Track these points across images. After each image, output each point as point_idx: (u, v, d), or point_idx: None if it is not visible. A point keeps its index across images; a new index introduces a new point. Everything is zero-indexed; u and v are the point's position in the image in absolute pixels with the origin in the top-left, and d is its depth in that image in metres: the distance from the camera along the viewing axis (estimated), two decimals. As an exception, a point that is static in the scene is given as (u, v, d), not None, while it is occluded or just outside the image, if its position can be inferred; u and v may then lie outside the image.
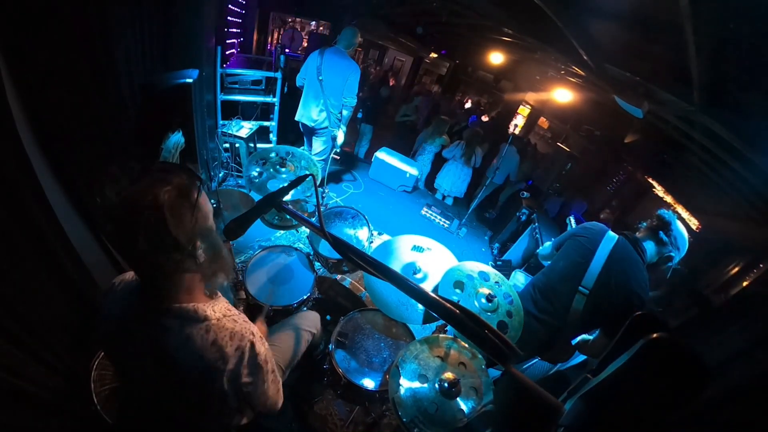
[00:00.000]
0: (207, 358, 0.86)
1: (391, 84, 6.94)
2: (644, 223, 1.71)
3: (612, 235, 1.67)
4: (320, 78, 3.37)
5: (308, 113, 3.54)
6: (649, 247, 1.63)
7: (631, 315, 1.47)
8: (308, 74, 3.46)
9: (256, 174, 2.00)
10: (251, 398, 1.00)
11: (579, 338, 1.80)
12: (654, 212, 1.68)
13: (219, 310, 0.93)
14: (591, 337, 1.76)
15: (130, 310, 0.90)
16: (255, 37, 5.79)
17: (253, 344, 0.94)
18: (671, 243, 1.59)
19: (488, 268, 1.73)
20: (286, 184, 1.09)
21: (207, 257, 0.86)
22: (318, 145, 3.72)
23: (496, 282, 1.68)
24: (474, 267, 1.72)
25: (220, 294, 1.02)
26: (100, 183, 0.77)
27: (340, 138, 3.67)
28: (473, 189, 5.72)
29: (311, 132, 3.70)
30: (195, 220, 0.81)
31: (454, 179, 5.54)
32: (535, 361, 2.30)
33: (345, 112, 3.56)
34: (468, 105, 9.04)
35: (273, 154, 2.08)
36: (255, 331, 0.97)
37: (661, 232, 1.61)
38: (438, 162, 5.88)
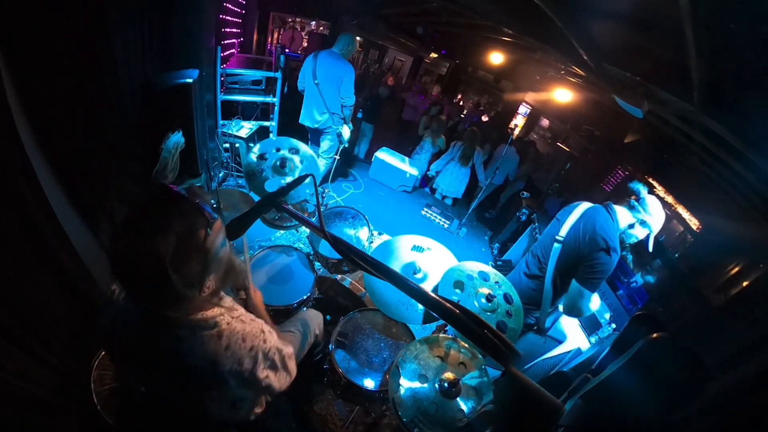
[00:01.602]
0: (222, 363, 0.87)
1: (389, 83, 6.92)
2: None
3: (588, 203, 1.95)
4: (316, 82, 3.46)
5: (311, 116, 3.66)
6: (621, 211, 1.84)
7: (597, 254, 1.71)
8: (305, 78, 3.56)
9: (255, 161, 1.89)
10: (271, 389, 1.02)
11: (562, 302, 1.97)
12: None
13: (227, 312, 0.94)
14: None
15: (139, 317, 0.90)
16: (255, 37, 5.79)
17: (265, 341, 0.95)
18: (642, 209, 1.79)
19: (488, 268, 1.74)
20: (286, 184, 1.09)
21: (217, 283, 0.85)
22: (326, 143, 3.84)
23: (496, 282, 1.69)
24: (474, 267, 1.72)
25: (223, 294, 1.02)
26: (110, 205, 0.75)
27: (346, 133, 3.76)
28: (472, 190, 5.71)
29: (318, 133, 3.82)
30: (203, 263, 0.78)
31: (451, 179, 5.53)
32: (536, 361, 2.30)
33: (345, 111, 3.65)
34: (465, 110, 8.96)
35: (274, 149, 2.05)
36: (264, 327, 0.99)
37: (631, 199, 1.84)
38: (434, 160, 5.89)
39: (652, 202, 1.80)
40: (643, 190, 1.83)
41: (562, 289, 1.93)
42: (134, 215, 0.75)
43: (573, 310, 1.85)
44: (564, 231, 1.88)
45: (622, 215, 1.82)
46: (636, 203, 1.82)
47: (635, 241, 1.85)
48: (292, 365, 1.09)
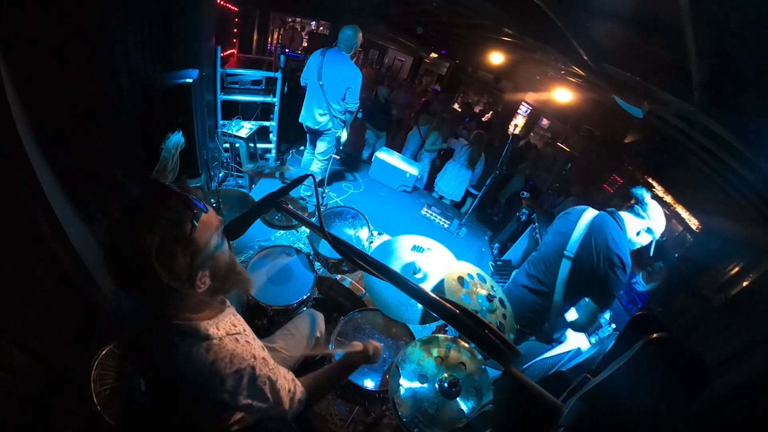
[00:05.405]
0: (205, 377, 0.86)
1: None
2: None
3: (593, 210, 1.87)
4: (321, 83, 3.36)
5: (312, 116, 3.56)
6: (628, 218, 1.79)
7: (613, 274, 1.66)
8: (310, 76, 3.46)
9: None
10: (251, 414, 1.00)
11: (570, 311, 1.94)
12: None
13: (223, 327, 0.92)
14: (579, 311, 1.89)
15: (138, 314, 0.90)
16: (255, 37, 5.79)
17: (253, 368, 0.91)
18: (646, 215, 1.77)
19: (479, 271, 1.74)
20: (285, 184, 1.09)
21: (214, 281, 0.85)
22: (322, 146, 3.76)
23: (491, 286, 1.69)
24: (470, 269, 1.72)
25: (228, 304, 1.01)
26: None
27: (344, 137, 3.73)
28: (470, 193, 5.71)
29: (316, 134, 3.74)
30: (190, 257, 0.77)
31: (449, 180, 5.52)
32: (535, 361, 2.30)
33: (348, 115, 3.60)
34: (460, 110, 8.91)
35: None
36: (257, 353, 0.94)
37: (635, 205, 1.80)
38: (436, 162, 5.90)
39: (653, 206, 1.78)
40: (646, 195, 1.80)
41: (570, 303, 1.89)
42: (125, 210, 0.77)
43: (585, 328, 1.82)
44: (572, 246, 1.78)
45: (630, 223, 1.77)
46: (640, 209, 1.77)
47: (639, 247, 1.82)
48: (287, 400, 0.99)
